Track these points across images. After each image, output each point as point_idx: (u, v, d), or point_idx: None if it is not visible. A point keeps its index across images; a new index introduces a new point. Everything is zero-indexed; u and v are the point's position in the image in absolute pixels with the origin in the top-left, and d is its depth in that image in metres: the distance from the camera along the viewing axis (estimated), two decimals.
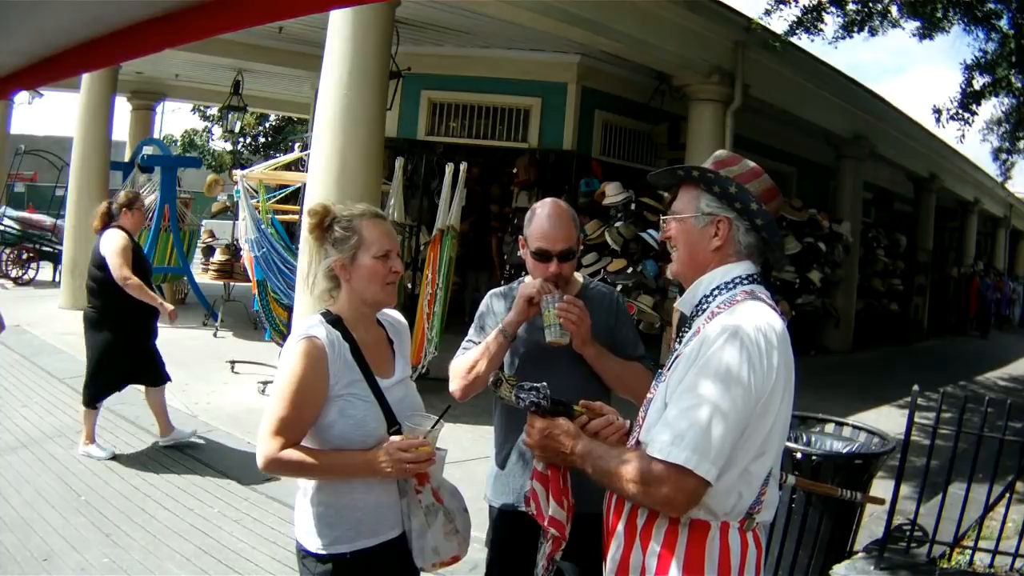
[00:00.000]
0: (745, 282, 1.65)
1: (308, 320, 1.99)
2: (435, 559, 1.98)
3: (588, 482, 1.99)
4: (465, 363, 2.37)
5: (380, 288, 1.97)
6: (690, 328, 1.67)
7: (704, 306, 1.66)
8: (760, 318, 1.56)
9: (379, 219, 2.01)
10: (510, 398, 1.85)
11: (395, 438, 1.92)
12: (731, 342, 1.51)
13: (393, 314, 2.19)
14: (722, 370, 1.49)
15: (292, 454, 1.86)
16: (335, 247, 1.96)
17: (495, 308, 2.47)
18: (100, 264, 4.88)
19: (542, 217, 2.35)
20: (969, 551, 3.88)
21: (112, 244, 4.84)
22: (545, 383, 1.88)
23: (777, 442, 1.60)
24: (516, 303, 2.30)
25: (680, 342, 1.68)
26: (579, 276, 2.49)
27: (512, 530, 2.39)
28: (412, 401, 2.10)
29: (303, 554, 1.96)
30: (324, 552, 1.92)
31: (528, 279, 2.44)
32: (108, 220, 4.99)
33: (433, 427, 1.93)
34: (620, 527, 1.66)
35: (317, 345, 1.89)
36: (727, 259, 1.68)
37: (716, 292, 1.65)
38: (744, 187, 1.67)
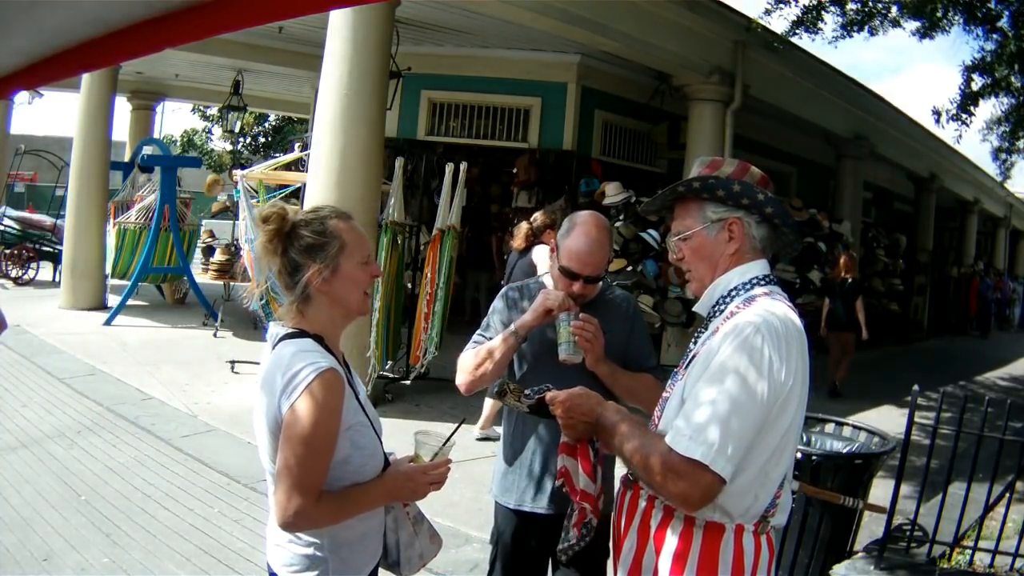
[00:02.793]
0: (762, 282, 1.65)
1: (299, 345, 1.70)
2: (420, 563, 1.95)
3: None
4: (473, 359, 2.36)
5: (362, 297, 1.79)
6: (706, 328, 1.67)
7: (721, 307, 1.65)
8: (781, 316, 1.55)
9: (351, 220, 1.81)
10: (516, 405, 1.85)
11: (401, 459, 1.84)
12: (752, 339, 1.50)
13: None
14: (741, 367, 1.48)
15: (323, 508, 1.65)
16: (310, 255, 1.71)
17: (507, 307, 2.46)
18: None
19: (579, 236, 2.28)
20: (969, 551, 3.88)
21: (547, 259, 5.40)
22: (550, 384, 1.87)
23: (793, 443, 1.59)
24: (534, 308, 2.28)
25: (696, 342, 1.68)
26: None
27: (516, 528, 2.39)
28: (378, 418, 1.90)
29: None
30: None
31: (548, 280, 2.44)
32: (532, 239, 5.56)
33: (446, 443, 1.86)
34: (633, 529, 1.65)
35: (338, 377, 1.66)
36: (744, 259, 1.67)
37: (734, 293, 1.64)
38: (745, 181, 1.67)
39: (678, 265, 1.76)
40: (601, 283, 2.45)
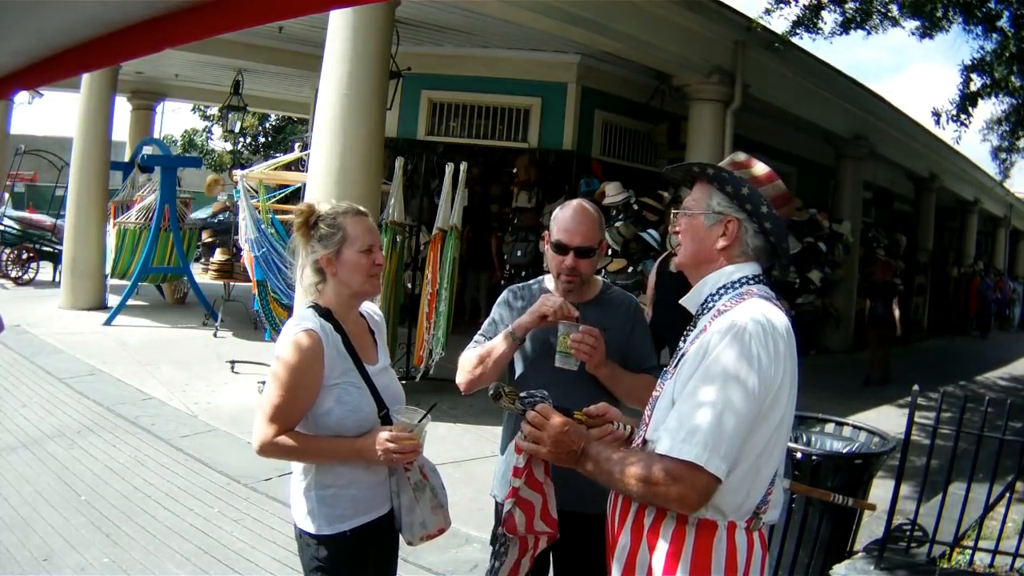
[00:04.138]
0: (751, 282, 1.65)
1: (300, 313, 2.10)
2: (423, 532, 2.11)
3: (586, 483, 1.97)
4: (473, 359, 2.37)
5: (365, 279, 2.08)
6: (695, 326, 1.68)
7: (710, 304, 1.66)
8: (767, 315, 1.56)
9: (361, 215, 2.12)
10: (511, 408, 1.86)
11: (384, 430, 2.01)
12: (739, 338, 1.51)
13: (372, 307, 2.31)
14: (731, 366, 1.50)
15: (286, 440, 1.98)
16: (321, 243, 2.06)
17: (508, 308, 2.46)
18: None
19: (566, 212, 2.38)
20: (969, 551, 3.88)
21: None
22: (546, 391, 1.87)
23: (783, 440, 1.60)
24: (531, 311, 2.28)
25: (685, 340, 1.68)
26: (599, 279, 2.49)
27: None
28: (396, 387, 2.20)
29: (305, 537, 2.05)
30: (326, 533, 2.02)
31: (548, 280, 2.44)
32: None
33: (420, 421, 2.03)
34: (627, 527, 1.66)
35: (313, 337, 1.99)
36: (734, 259, 1.68)
37: (722, 291, 1.66)
38: (757, 190, 1.67)
39: (673, 235, 1.79)
40: (603, 283, 2.46)
